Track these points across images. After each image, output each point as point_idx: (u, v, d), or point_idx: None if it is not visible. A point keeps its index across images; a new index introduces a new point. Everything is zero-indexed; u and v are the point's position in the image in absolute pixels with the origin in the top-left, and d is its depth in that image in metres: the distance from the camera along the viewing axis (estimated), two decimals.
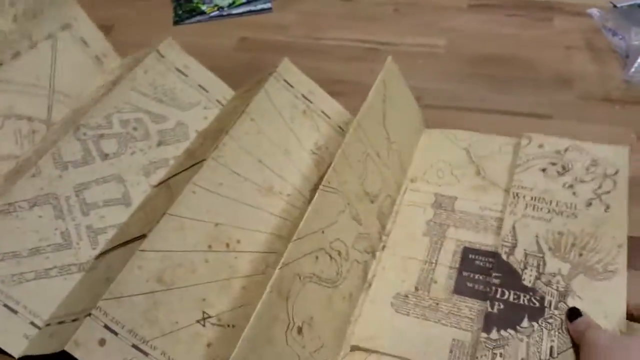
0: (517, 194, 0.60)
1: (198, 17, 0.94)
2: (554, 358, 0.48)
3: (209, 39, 0.90)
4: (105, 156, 0.64)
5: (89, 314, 0.45)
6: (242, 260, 0.54)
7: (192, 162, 0.60)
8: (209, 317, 0.50)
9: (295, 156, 0.63)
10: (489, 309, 0.52)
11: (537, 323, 0.50)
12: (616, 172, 0.61)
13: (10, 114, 0.65)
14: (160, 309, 0.48)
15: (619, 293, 0.51)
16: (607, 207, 0.58)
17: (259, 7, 0.95)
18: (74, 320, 0.48)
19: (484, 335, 0.50)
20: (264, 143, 0.61)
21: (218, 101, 0.72)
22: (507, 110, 0.72)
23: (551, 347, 0.49)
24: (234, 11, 0.95)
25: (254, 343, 0.44)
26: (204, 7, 0.96)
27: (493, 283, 0.53)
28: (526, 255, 0.55)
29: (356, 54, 0.84)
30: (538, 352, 0.48)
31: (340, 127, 0.68)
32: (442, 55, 0.83)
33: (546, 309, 0.51)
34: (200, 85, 0.73)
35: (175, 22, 0.94)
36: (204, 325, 0.49)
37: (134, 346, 0.46)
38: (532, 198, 0.60)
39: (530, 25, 0.86)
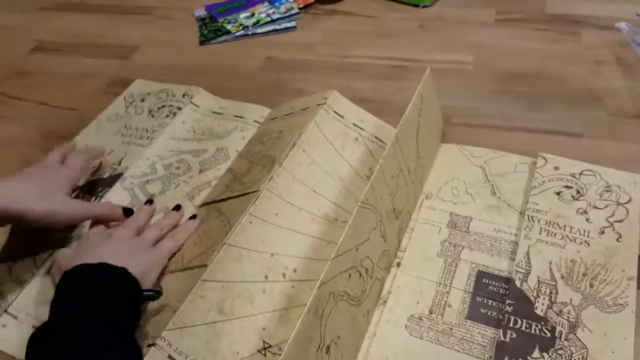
0: (532, 218, 0.61)
1: (224, 37, 0.95)
2: None
3: (235, 59, 0.91)
4: (151, 196, 0.67)
5: (154, 344, 0.46)
6: (299, 289, 0.55)
7: (242, 189, 0.61)
8: (270, 346, 0.51)
9: (349, 183, 0.64)
10: (502, 338, 0.52)
11: (548, 354, 0.50)
12: (629, 201, 0.61)
13: None
14: (222, 339, 0.49)
15: (627, 328, 0.51)
16: (619, 237, 0.58)
17: (284, 25, 0.96)
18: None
19: None
20: (317, 173, 0.63)
21: (255, 121, 0.74)
22: (536, 128, 0.72)
23: None
24: (259, 30, 0.96)
25: None
26: (229, 27, 0.96)
27: (506, 310, 0.54)
28: (539, 282, 0.55)
29: (383, 72, 0.84)
30: None
31: None
32: (470, 71, 0.82)
33: (557, 340, 0.51)
34: (235, 116, 0.75)
35: (202, 42, 0.95)
36: (264, 355, 0.50)
37: None
38: (546, 222, 0.60)
39: (557, 40, 0.86)
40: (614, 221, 0.60)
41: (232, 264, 0.53)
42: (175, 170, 0.69)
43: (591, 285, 0.55)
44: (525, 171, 0.66)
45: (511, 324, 0.53)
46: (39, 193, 0.58)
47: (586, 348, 0.51)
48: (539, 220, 0.60)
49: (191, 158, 0.71)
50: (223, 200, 0.62)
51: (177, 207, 0.64)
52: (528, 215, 0.61)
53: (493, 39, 0.88)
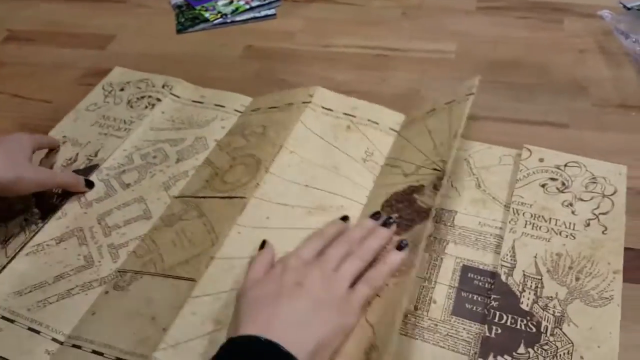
0: (517, 211, 0.60)
1: (202, 25, 0.93)
2: None
3: (214, 48, 0.88)
4: (126, 186, 0.66)
5: None
6: None
7: (226, 190, 0.60)
8: None
9: (345, 169, 0.64)
10: (487, 333, 0.51)
11: (533, 349, 0.50)
12: (614, 192, 0.61)
13: None
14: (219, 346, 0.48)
15: (613, 322, 0.51)
16: (605, 229, 0.58)
17: (263, 13, 0.94)
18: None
19: None
20: (308, 169, 0.63)
21: (236, 110, 0.73)
22: (521, 119, 0.71)
23: None
24: (238, 18, 0.93)
25: None
26: (207, 15, 0.94)
27: (491, 305, 0.53)
28: (525, 276, 0.55)
29: (365, 62, 0.83)
30: None
31: (392, 129, 0.69)
32: (453, 60, 0.81)
33: (542, 335, 0.51)
34: (216, 104, 0.74)
35: (179, 31, 0.92)
36: None
37: None
38: (531, 215, 0.60)
39: (540, 28, 0.85)
40: (600, 213, 0.59)
41: (223, 274, 0.53)
42: (152, 160, 0.68)
43: (577, 279, 0.54)
44: (510, 163, 0.65)
45: (496, 320, 0.52)
46: (3, 159, 0.59)
47: (572, 343, 0.50)
48: (524, 214, 0.60)
49: (169, 147, 0.70)
50: (203, 197, 0.61)
51: (346, 218, 0.58)
52: (513, 209, 0.60)
53: (476, 27, 0.87)
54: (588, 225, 0.58)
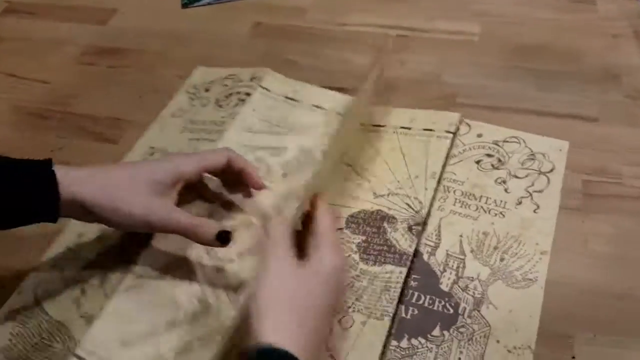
0: (447, 188, 0.58)
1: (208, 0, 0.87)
2: None
3: (221, 25, 0.83)
4: (230, 205, 0.58)
5: None
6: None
7: None
8: None
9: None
10: (403, 315, 0.50)
11: (449, 332, 0.48)
12: (552, 170, 0.58)
13: None
14: None
15: (534, 305, 0.49)
16: (537, 208, 0.56)
17: None
18: None
19: (394, 343, 0.48)
20: None
21: (338, 113, 0.66)
22: (549, 111, 0.66)
23: (459, 359, 0.47)
24: None
25: None
26: None
27: (410, 286, 0.51)
28: (447, 256, 0.53)
29: (383, 43, 0.78)
30: None
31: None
32: (476, 44, 0.76)
33: (459, 317, 0.49)
34: (314, 105, 0.67)
35: (184, 5, 0.87)
36: None
37: None
38: (462, 193, 0.58)
39: (570, 9, 0.79)
40: (534, 191, 0.57)
41: None
42: None
43: (502, 259, 0.52)
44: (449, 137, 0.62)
45: (414, 300, 0.50)
46: (138, 185, 0.49)
47: (489, 326, 0.48)
48: (454, 191, 0.58)
49: (269, 157, 0.62)
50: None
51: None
52: (444, 186, 0.58)
53: (501, 7, 0.81)
54: (520, 203, 0.56)
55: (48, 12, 0.89)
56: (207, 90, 0.71)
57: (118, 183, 0.48)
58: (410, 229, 0.55)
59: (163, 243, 0.55)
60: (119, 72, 0.78)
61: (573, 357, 0.47)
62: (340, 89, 0.69)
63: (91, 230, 0.57)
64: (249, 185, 0.57)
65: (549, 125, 0.64)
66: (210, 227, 0.49)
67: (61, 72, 0.78)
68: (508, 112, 0.67)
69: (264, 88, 0.68)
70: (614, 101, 0.67)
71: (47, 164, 0.46)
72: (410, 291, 0.51)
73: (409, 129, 0.63)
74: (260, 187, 0.57)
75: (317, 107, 0.67)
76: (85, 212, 0.47)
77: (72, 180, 0.46)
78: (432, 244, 0.54)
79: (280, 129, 0.65)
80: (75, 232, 0.58)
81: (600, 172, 0.60)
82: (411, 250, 0.53)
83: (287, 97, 0.68)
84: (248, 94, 0.68)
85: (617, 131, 0.63)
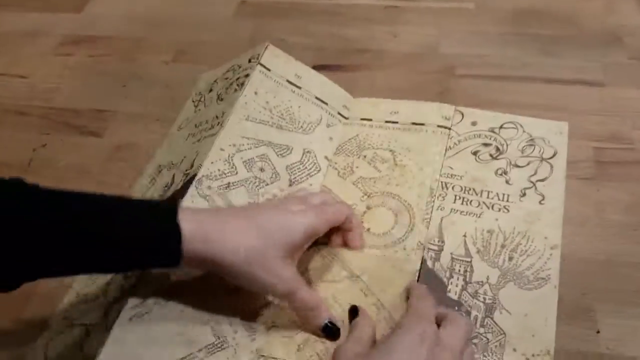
0: (445, 184, 0.54)
1: None
2: None
3: (205, 6, 0.80)
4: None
5: None
6: None
7: (376, 243, 0.52)
8: None
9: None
10: None
11: None
12: (554, 155, 0.55)
13: None
14: None
15: (549, 306, 0.46)
16: (542, 198, 0.52)
17: None
18: None
19: None
20: None
21: (340, 114, 0.62)
22: (552, 78, 0.64)
23: None
24: None
25: None
26: None
27: None
28: (453, 260, 0.49)
29: (375, 15, 0.75)
30: None
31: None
32: (472, 12, 0.73)
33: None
34: (317, 98, 0.62)
35: None
36: None
37: None
38: (461, 189, 0.54)
39: None
40: (537, 180, 0.53)
41: None
42: (259, 173, 0.55)
43: (510, 259, 0.49)
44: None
45: None
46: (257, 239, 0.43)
47: (504, 333, 0.45)
48: (453, 187, 0.54)
49: (275, 157, 0.57)
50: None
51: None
52: (441, 182, 0.54)
53: None
54: (524, 195, 0.53)
55: (18, 3, 0.85)
56: (210, 90, 0.66)
57: (253, 244, 0.42)
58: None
59: None
60: (100, 61, 0.74)
61: (598, 332, 0.45)
62: (331, 66, 0.67)
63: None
64: (346, 242, 0.51)
65: (554, 92, 0.62)
66: (322, 313, 0.44)
67: (38, 65, 0.74)
68: (509, 80, 0.64)
69: (263, 66, 0.62)
70: (618, 64, 0.65)
71: (172, 213, 0.41)
72: None
73: (395, 122, 0.60)
74: (357, 248, 0.51)
75: (320, 100, 0.62)
76: (211, 266, 0.42)
77: (199, 237, 0.41)
78: (435, 247, 0.50)
79: (283, 122, 0.60)
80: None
81: (610, 138, 0.58)
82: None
83: (288, 81, 0.62)
84: (247, 76, 0.61)
85: (625, 94, 0.61)
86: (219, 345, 0.44)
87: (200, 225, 0.41)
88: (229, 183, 0.53)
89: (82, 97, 0.70)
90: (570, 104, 0.60)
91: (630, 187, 0.54)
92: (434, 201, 0.53)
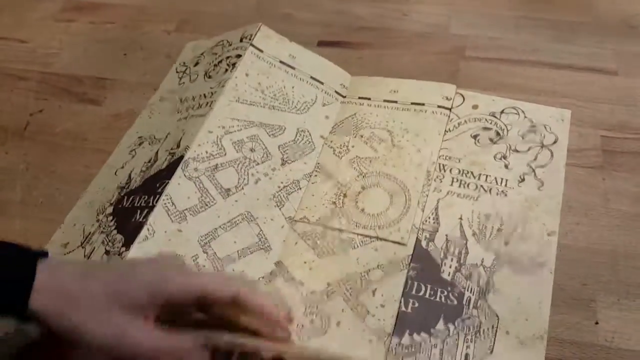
0: (443, 166, 0.54)
1: None
2: None
3: None
4: (226, 193, 0.51)
5: None
6: None
7: (368, 224, 0.51)
8: None
9: None
10: (403, 308, 0.45)
11: (453, 325, 0.44)
12: (555, 142, 0.54)
13: None
14: None
15: (544, 291, 0.45)
16: (541, 185, 0.52)
17: None
18: None
19: (395, 340, 0.44)
20: None
21: (337, 93, 0.61)
22: (562, 64, 0.63)
23: (466, 355, 0.43)
24: None
25: None
26: None
27: (409, 275, 0.47)
28: (447, 241, 0.49)
29: None
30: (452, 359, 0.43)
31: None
32: None
33: (464, 308, 0.45)
34: (312, 77, 0.61)
35: None
36: None
37: None
38: (459, 171, 0.53)
39: None
40: (537, 166, 0.53)
41: None
42: (249, 154, 0.54)
43: (506, 243, 0.48)
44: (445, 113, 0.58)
45: (414, 291, 0.46)
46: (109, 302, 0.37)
47: (497, 316, 0.44)
48: (450, 170, 0.53)
49: (266, 137, 0.56)
50: (339, 230, 0.51)
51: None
52: (439, 164, 0.54)
53: None
54: (523, 180, 0.52)
55: None
56: (196, 64, 0.65)
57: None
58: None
59: None
60: (101, 28, 0.73)
61: (596, 323, 0.44)
62: (337, 43, 0.66)
63: None
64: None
65: (564, 78, 0.61)
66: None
67: (39, 30, 0.73)
68: (520, 64, 0.63)
69: (255, 47, 0.61)
70: (632, 53, 0.63)
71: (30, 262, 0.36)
72: (409, 281, 0.47)
73: (394, 101, 0.59)
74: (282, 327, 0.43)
75: (315, 79, 0.61)
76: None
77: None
78: (430, 228, 0.50)
79: (276, 102, 0.59)
80: None
81: (620, 127, 0.56)
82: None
83: (282, 62, 0.61)
84: (239, 56, 0.61)
85: (637, 84, 0.60)
86: None
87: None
88: (217, 164, 0.52)
89: (82, 64, 0.69)
90: (580, 91, 0.59)
91: (637, 177, 0.52)
92: (430, 183, 0.52)
